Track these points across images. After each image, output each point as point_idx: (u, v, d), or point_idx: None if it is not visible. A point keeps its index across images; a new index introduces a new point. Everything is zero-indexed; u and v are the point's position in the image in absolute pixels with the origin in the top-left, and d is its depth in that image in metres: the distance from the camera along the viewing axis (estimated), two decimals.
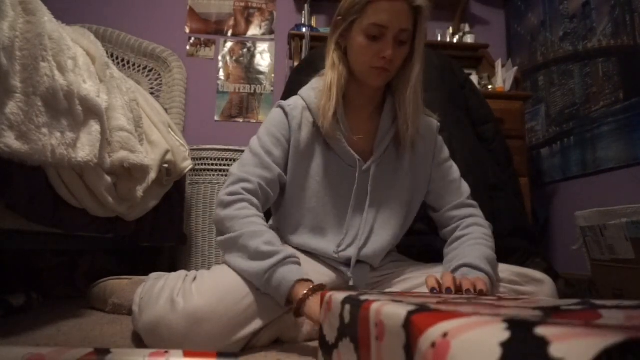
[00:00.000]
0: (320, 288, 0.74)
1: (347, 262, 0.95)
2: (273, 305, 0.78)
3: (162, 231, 1.54)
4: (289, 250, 0.80)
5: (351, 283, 0.93)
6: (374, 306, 0.45)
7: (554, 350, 0.23)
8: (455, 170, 1.05)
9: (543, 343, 0.23)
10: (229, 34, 2.63)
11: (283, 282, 0.74)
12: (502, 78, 2.31)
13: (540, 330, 0.25)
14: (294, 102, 0.98)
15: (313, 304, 0.71)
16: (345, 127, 0.95)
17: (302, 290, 0.73)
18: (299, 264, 0.79)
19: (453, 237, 0.97)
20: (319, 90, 0.96)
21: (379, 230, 0.97)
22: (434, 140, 1.03)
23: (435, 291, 0.74)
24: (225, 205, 0.86)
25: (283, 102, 0.98)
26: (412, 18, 0.87)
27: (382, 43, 0.86)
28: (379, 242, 0.96)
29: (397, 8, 0.84)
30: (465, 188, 1.04)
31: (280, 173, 0.93)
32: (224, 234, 0.84)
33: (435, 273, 0.80)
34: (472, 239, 0.93)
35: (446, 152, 1.06)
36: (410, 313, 0.37)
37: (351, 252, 0.94)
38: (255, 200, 0.88)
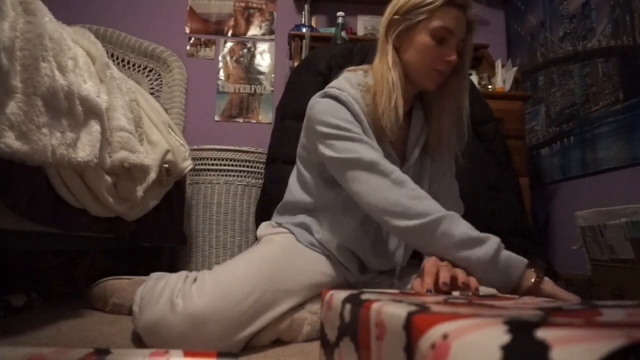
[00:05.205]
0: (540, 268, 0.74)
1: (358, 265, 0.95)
2: (275, 303, 0.79)
3: (162, 231, 1.54)
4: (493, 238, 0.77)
5: (397, 285, 0.94)
6: (375, 306, 0.45)
7: (555, 354, 0.23)
8: (455, 188, 1.08)
9: (544, 347, 0.23)
10: (229, 34, 2.62)
11: (513, 267, 0.73)
12: (502, 78, 2.31)
13: (541, 334, 0.25)
14: (343, 90, 0.92)
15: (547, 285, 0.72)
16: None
17: (531, 278, 0.73)
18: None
19: None
20: (363, 87, 0.93)
21: None
22: (452, 156, 1.05)
23: (430, 292, 0.73)
24: (399, 183, 0.81)
25: (332, 91, 0.91)
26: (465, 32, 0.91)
27: (446, 47, 0.88)
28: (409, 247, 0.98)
29: (461, 18, 0.88)
30: (460, 207, 1.06)
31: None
32: (416, 221, 0.78)
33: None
34: None
35: (454, 168, 1.08)
36: (410, 314, 0.37)
37: (398, 258, 0.96)
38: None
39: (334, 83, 0.97)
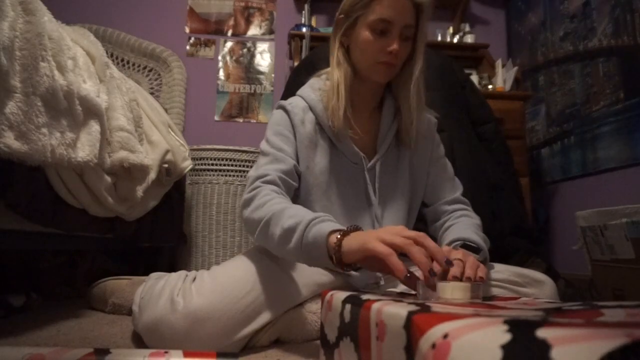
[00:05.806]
0: (353, 229, 0.67)
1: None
2: (274, 302, 0.79)
3: (162, 231, 1.54)
4: (312, 214, 0.73)
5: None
6: (375, 306, 0.45)
7: (555, 354, 0.22)
8: (450, 168, 1.07)
9: (544, 346, 0.23)
10: (229, 34, 2.62)
11: (318, 244, 0.67)
12: (502, 78, 2.30)
13: (541, 333, 0.25)
14: (294, 101, 0.98)
15: (348, 245, 0.64)
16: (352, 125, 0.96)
17: (334, 241, 0.66)
18: (325, 220, 0.71)
19: (444, 227, 0.99)
20: (323, 90, 0.97)
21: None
22: (432, 136, 1.05)
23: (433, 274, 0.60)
24: (247, 202, 0.83)
25: (282, 102, 0.99)
26: (415, 15, 0.89)
27: (388, 38, 0.88)
28: None
29: (401, 4, 0.86)
30: (459, 185, 1.06)
31: (295, 164, 0.92)
32: (256, 229, 0.79)
33: None
34: (463, 224, 0.94)
35: (442, 149, 1.08)
36: (411, 313, 0.37)
37: None
38: (274, 187, 0.85)
39: (298, 91, 1.01)
